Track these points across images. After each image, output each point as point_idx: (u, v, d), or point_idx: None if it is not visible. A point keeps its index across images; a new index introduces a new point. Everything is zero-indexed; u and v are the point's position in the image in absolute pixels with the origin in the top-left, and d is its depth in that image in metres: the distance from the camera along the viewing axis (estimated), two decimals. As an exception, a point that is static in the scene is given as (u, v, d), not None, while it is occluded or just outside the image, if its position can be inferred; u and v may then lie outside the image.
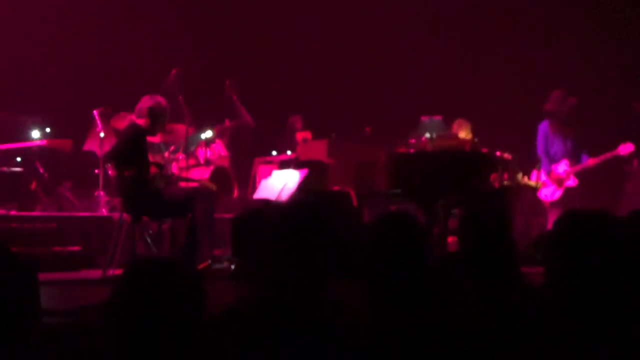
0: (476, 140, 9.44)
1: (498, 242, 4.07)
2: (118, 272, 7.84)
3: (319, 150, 10.44)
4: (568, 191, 10.48)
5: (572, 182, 10.57)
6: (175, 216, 8.34)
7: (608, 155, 10.38)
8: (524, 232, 10.44)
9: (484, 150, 9.03)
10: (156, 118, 8.19)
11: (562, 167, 10.61)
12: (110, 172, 8.41)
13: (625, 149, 10.30)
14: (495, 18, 12.77)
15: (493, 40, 12.68)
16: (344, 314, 3.03)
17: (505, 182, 8.98)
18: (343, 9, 12.92)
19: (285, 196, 8.65)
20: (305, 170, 9.03)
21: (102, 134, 10.19)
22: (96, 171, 10.38)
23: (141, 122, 8.17)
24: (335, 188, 9.45)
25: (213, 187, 8.80)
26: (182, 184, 9.09)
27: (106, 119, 10.26)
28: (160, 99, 8.26)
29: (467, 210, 4.32)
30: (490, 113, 11.73)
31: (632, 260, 2.59)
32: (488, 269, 3.95)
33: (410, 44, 12.90)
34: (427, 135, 9.32)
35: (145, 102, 8.17)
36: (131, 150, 8.08)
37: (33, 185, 10.59)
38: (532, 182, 10.13)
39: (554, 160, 10.69)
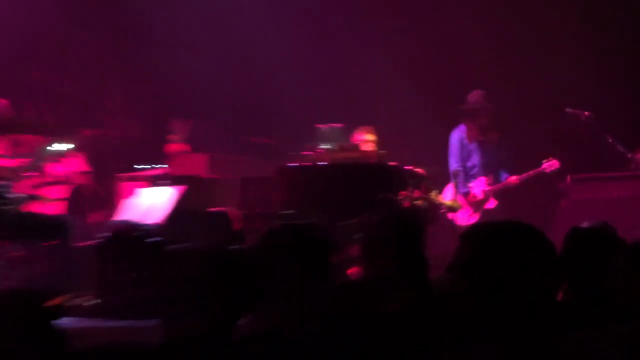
0: (383, 152, 9.58)
1: (409, 265, 4.38)
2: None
3: (198, 165, 10.45)
4: (486, 214, 10.41)
5: (490, 203, 10.52)
6: (43, 240, 8.33)
7: (532, 172, 10.42)
8: (442, 256, 10.17)
9: (392, 163, 9.09)
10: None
11: (479, 186, 10.56)
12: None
13: (550, 166, 10.34)
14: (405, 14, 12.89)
15: (403, 35, 12.73)
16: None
17: (418, 201, 8.96)
18: (233, 7, 12.92)
19: (154, 218, 8.51)
20: (182, 188, 8.85)
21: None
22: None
23: None
24: (215, 209, 9.36)
25: None
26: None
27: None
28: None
29: (373, 231, 4.58)
30: (401, 121, 11.80)
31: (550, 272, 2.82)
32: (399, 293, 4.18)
33: (306, 42, 12.87)
34: (326, 146, 9.48)
35: None
36: None
37: None
38: (449, 202, 9.99)
39: (470, 175, 10.66)
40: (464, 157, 10.67)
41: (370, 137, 10.42)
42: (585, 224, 4.39)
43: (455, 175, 10.25)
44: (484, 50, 12.11)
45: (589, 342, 2.96)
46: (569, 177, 10.45)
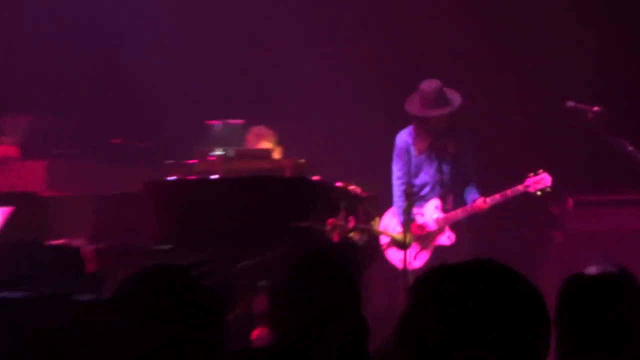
0: (302, 161, 9.59)
1: (339, 326, 4.40)
2: None
3: (33, 176, 10.47)
4: (439, 254, 10.36)
5: (446, 238, 10.51)
6: None
7: (509, 192, 10.32)
8: (386, 314, 10.19)
9: (316, 178, 9.15)
10: None
11: (431, 212, 10.53)
12: None
13: (538, 182, 10.23)
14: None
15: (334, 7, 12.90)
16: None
17: (353, 234, 9.11)
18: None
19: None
20: (9, 210, 8.97)
21: None
22: None
23: None
24: (60, 241, 9.16)
25: None
26: None
27: None
28: None
29: (287, 276, 4.64)
30: (330, 119, 11.95)
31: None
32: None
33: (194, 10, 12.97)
34: (219, 151, 9.57)
35: None
36: None
37: None
38: (398, 235, 10.11)
39: (419, 197, 10.57)
40: (412, 172, 10.60)
41: (267, 143, 10.50)
42: (592, 269, 4.29)
43: (409, 194, 10.12)
44: (445, 30, 12.22)
45: None
46: (570, 200, 10.53)
